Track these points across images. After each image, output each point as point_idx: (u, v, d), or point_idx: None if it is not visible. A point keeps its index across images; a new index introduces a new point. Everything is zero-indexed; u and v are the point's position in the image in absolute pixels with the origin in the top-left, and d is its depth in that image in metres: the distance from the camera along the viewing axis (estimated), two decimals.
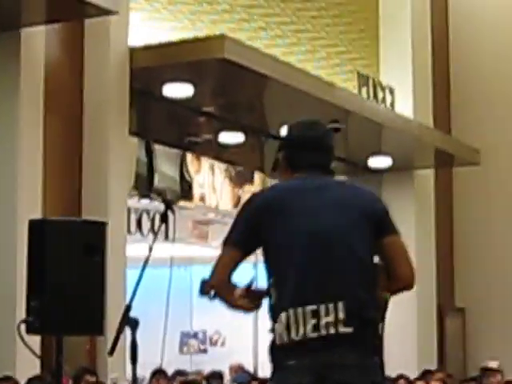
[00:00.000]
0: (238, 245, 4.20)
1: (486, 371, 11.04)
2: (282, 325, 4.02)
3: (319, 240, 4.11)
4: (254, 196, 4.47)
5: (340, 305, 3.98)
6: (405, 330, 14.34)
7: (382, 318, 4.19)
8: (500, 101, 15.87)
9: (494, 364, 11.18)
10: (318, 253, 4.10)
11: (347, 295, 4.01)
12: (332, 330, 3.96)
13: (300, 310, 4.00)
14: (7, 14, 8.99)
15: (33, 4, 8.88)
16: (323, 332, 3.96)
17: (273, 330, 4.07)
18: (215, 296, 4.16)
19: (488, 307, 15.49)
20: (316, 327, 3.97)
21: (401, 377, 11.02)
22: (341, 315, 3.97)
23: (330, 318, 3.97)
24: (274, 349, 4.08)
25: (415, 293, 14.58)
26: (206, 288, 4.15)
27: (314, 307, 3.98)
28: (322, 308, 3.98)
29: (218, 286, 4.16)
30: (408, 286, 4.23)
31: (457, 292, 16.09)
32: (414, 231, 14.65)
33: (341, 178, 14.51)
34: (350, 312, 3.98)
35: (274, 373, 4.10)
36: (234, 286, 4.17)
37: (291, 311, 4.01)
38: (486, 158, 14.91)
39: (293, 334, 4.01)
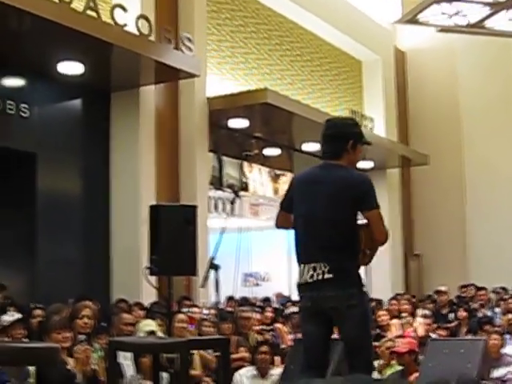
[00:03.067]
0: (281, 207, 4.30)
1: (439, 292, 10.91)
2: (299, 272, 4.19)
3: (311, 220, 4.11)
4: (294, 176, 4.54)
5: (326, 263, 4.04)
6: (383, 268, 14.29)
7: (366, 263, 4.17)
8: (441, 123, 15.64)
9: (443, 288, 10.99)
10: (311, 228, 4.10)
11: (330, 256, 4.04)
12: (320, 277, 4.04)
13: (307, 265, 4.11)
14: (131, 79, 9.04)
15: (147, 72, 8.89)
16: (315, 278, 4.06)
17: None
18: (279, 227, 4.33)
19: (434, 254, 15.33)
20: (312, 276, 4.07)
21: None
22: (326, 268, 4.03)
23: (320, 271, 4.04)
24: (297, 284, 4.22)
25: (389, 245, 14.54)
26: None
27: (313, 264, 4.07)
28: (317, 265, 4.05)
29: (278, 225, 4.32)
30: (382, 244, 4.16)
31: (414, 244, 15.93)
32: (387, 207, 14.53)
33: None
34: (331, 266, 4.03)
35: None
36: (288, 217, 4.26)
37: (301, 266, 4.14)
38: (433, 160, 14.72)
39: (301, 279, 4.15)
